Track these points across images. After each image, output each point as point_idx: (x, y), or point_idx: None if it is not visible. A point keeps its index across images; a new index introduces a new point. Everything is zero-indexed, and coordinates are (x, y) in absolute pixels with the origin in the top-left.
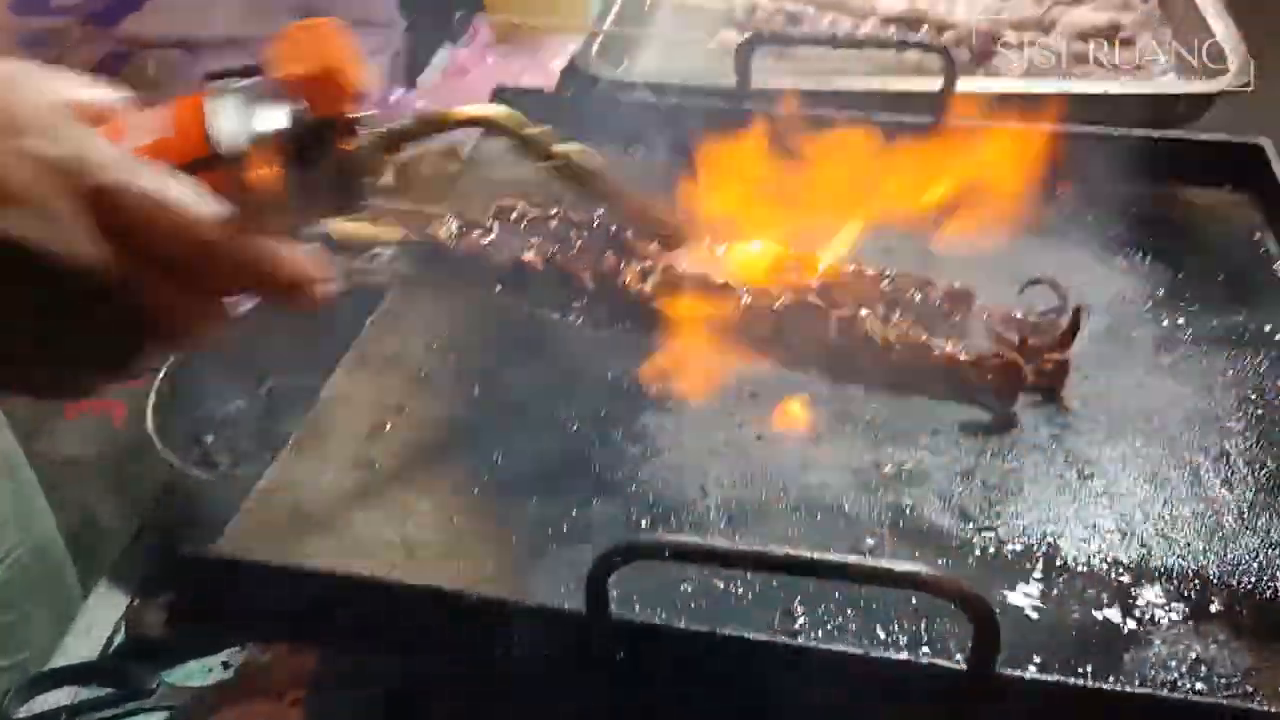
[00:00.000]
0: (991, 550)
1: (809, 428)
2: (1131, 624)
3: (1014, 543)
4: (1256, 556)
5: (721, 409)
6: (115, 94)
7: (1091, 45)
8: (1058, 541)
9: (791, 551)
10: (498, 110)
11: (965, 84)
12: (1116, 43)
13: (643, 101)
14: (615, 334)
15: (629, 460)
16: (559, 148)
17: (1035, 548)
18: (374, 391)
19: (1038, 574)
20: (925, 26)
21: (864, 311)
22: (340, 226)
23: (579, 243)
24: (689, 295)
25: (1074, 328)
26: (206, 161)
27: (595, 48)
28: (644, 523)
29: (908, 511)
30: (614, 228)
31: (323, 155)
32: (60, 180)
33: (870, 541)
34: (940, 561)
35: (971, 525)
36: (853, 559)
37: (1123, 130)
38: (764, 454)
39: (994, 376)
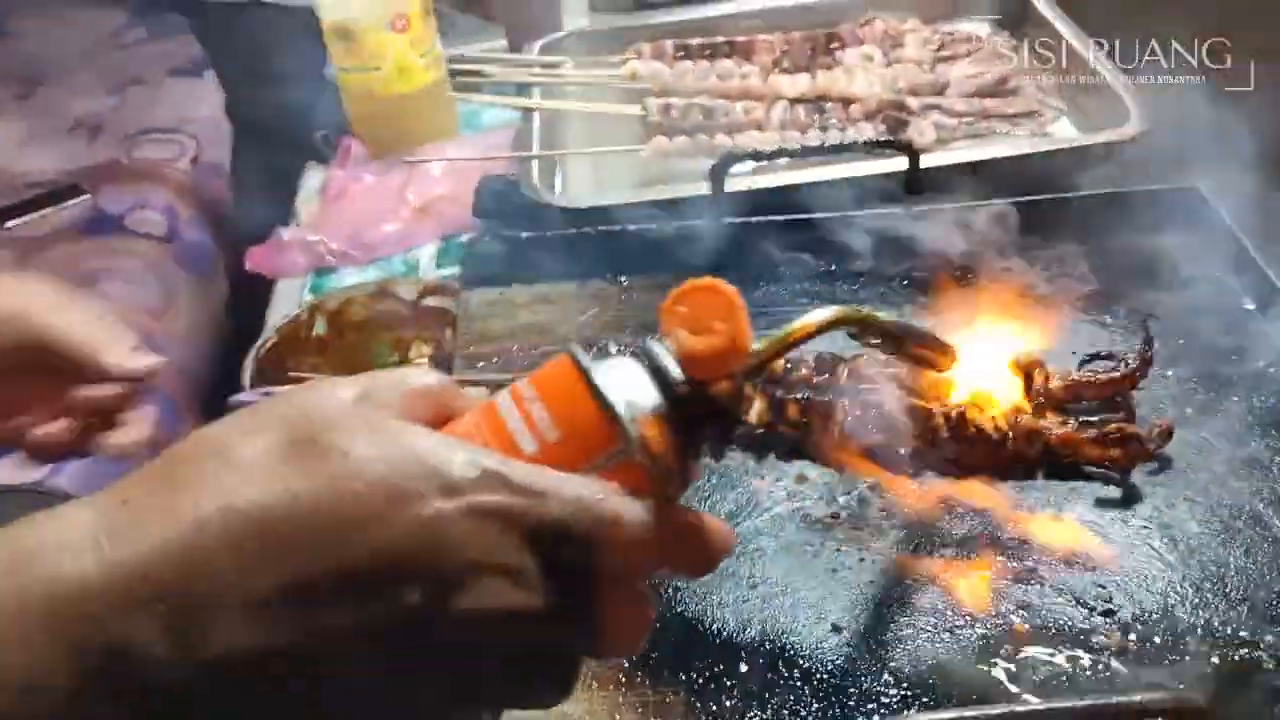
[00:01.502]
0: (1119, 635)
1: (913, 538)
2: (1263, 679)
3: (1136, 623)
4: None
5: (813, 535)
6: (443, 378)
7: (989, 101)
8: (1174, 612)
9: (1051, 705)
10: (839, 310)
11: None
12: (1008, 95)
13: (625, 229)
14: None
15: (753, 609)
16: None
17: (1157, 624)
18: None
19: (1168, 647)
20: (830, 103)
21: (963, 407)
22: None
23: None
24: (793, 416)
25: (1143, 365)
26: (612, 454)
27: (535, 174)
28: (794, 674)
29: (1027, 612)
30: None
31: (705, 415)
32: (502, 530)
33: (1006, 647)
34: (1077, 657)
35: (1091, 612)
36: (1103, 701)
37: (1068, 193)
38: (875, 574)
39: (1120, 451)
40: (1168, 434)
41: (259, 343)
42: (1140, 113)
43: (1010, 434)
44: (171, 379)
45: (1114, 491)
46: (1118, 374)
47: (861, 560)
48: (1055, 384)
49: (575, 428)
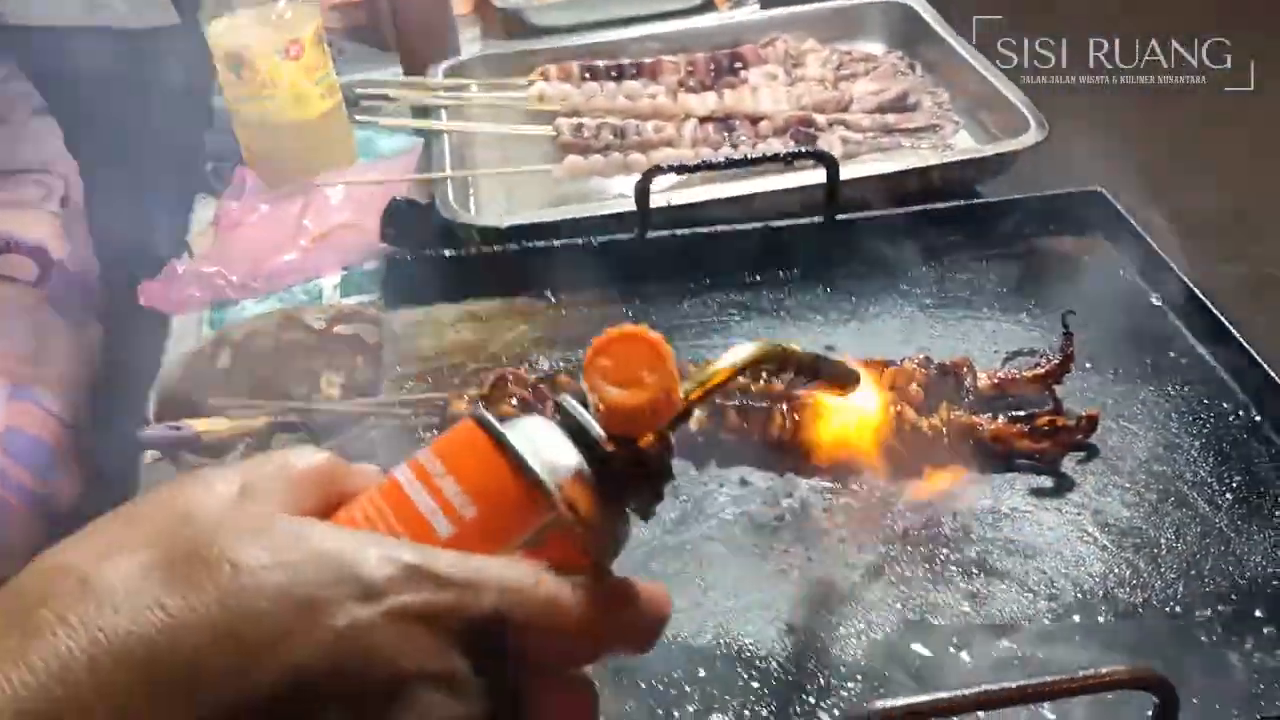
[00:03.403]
0: (1062, 615)
1: (856, 536)
2: (1205, 651)
3: (1078, 606)
4: (1267, 558)
5: (760, 537)
6: (328, 456)
7: (891, 116)
8: (1114, 591)
9: (1015, 684)
10: (761, 347)
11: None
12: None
13: (553, 245)
14: None
15: (707, 614)
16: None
17: (1098, 603)
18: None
19: (1110, 625)
20: (739, 120)
21: (899, 407)
22: (206, 425)
23: None
24: (732, 423)
25: (1066, 360)
26: (540, 528)
27: (450, 194)
28: (752, 675)
29: (974, 601)
30: None
31: (635, 473)
32: (431, 633)
33: (957, 635)
34: (1027, 641)
35: (1036, 597)
36: (1067, 676)
37: (978, 200)
38: (823, 572)
39: (1049, 441)
40: (1093, 423)
41: (162, 376)
42: (1036, 122)
43: (945, 431)
44: (47, 427)
45: (1046, 481)
46: (1042, 369)
47: (809, 560)
48: (984, 382)
49: (494, 502)
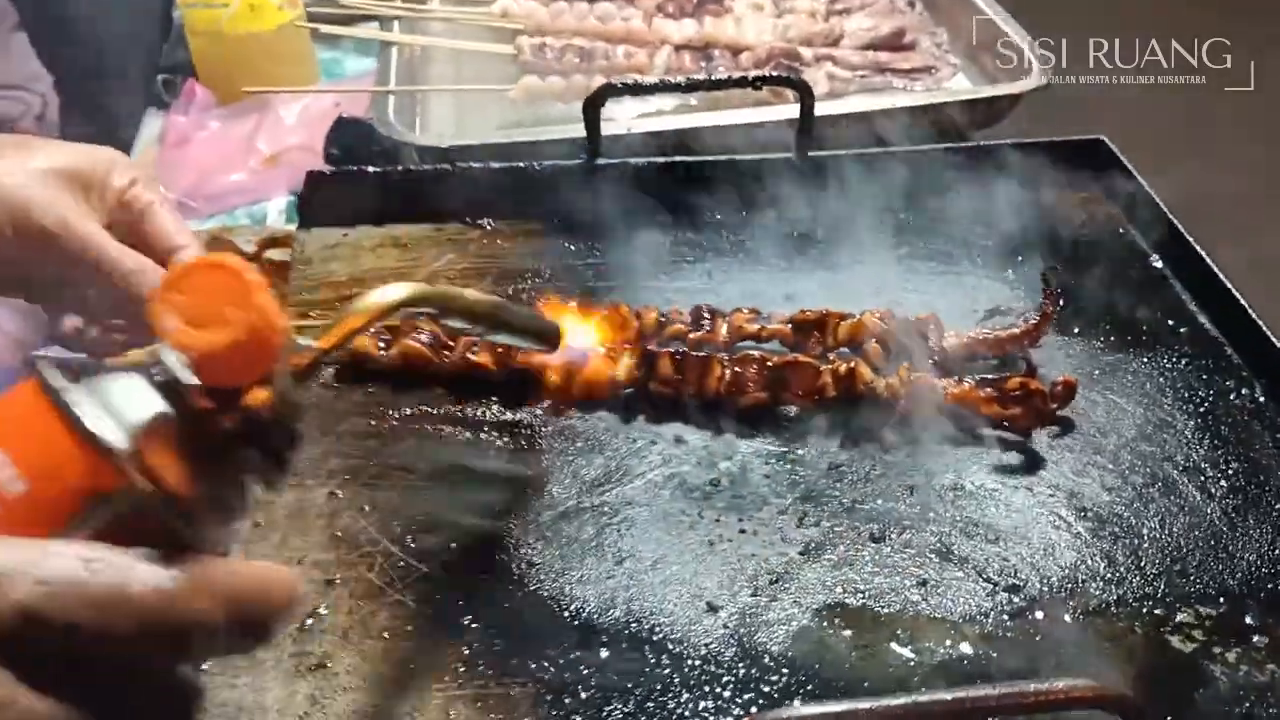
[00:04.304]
0: (1024, 610)
1: (799, 507)
2: (1183, 660)
3: (1042, 600)
4: (1263, 558)
5: (690, 503)
6: None
7: (884, 54)
8: (1085, 586)
9: (951, 695)
10: (415, 289)
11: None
12: (903, 49)
13: (489, 167)
14: (539, 442)
15: (618, 586)
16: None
17: (1065, 599)
18: (289, 567)
19: (1077, 624)
20: (718, 50)
21: (853, 363)
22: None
23: None
24: (665, 373)
25: (1043, 319)
26: (111, 500)
27: (391, 109)
28: (662, 661)
29: (924, 589)
30: None
31: (243, 433)
32: None
33: (902, 628)
34: (980, 638)
35: (995, 588)
36: (1016, 689)
37: (967, 143)
38: (757, 547)
39: (1021, 408)
40: (1070, 391)
41: None
42: (1040, 67)
43: (902, 393)
44: (8, 350)
45: (1017, 457)
46: (1017, 329)
47: (742, 531)
48: (952, 341)
49: (48, 474)
